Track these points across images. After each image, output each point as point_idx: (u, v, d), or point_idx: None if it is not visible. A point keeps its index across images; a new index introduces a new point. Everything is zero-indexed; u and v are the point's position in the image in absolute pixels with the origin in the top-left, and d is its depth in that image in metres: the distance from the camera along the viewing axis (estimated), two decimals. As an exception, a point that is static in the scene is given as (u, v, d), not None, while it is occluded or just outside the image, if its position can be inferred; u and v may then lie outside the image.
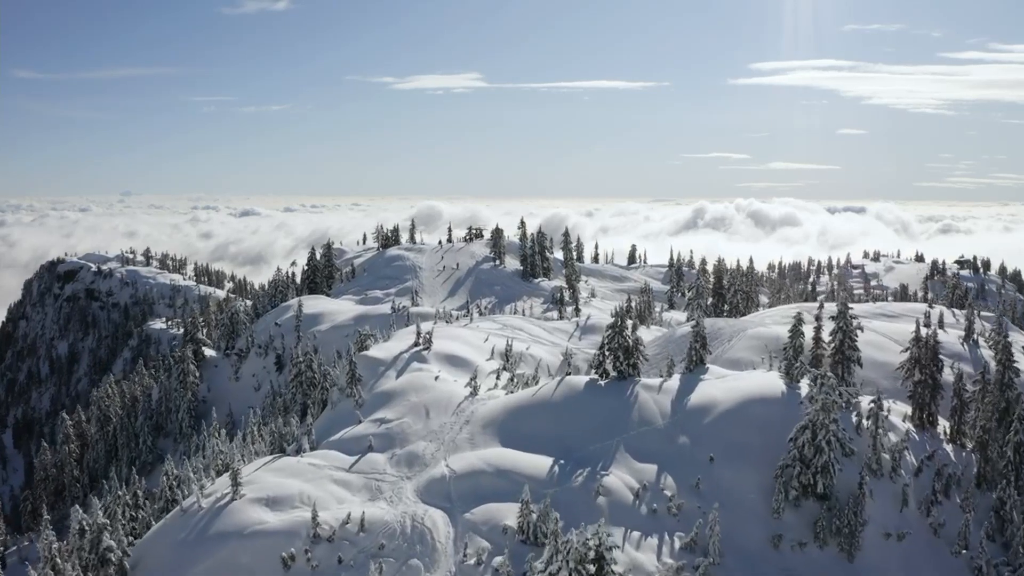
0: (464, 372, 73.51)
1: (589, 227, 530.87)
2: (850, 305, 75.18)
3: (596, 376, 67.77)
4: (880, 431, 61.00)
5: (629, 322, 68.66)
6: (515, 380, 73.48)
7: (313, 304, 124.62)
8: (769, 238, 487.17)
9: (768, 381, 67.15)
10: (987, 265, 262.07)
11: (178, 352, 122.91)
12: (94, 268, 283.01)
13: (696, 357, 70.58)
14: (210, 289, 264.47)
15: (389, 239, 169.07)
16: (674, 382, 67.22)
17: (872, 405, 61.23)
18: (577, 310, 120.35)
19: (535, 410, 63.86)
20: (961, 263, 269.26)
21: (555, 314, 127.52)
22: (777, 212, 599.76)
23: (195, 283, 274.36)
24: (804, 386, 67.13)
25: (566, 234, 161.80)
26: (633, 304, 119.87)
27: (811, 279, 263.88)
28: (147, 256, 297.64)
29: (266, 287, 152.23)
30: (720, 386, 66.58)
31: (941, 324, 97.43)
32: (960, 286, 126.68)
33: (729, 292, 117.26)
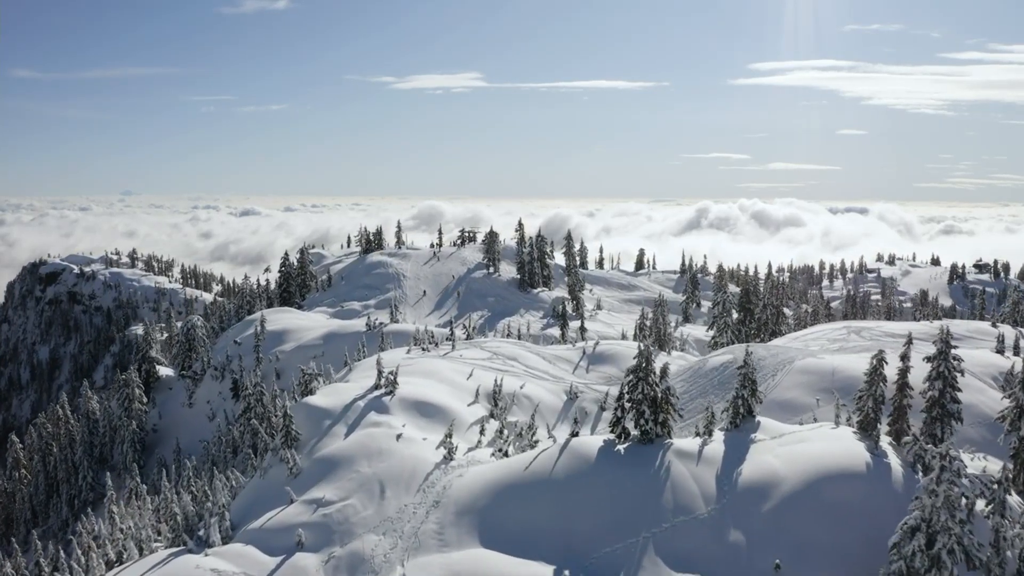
0: (437, 424, 54.54)
1: (591, 227, 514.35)
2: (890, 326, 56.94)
3: (613, 437, 49.03)
4: (1007, 522, 42.48)
5: (656, 362, 49.81)
6: (505, 433, 54.78)
7: (279, 319, 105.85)
8: (773, 239, 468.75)
9: (843, 445, 48.42)
10: (1006, 269, 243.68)
11: (123, 374, 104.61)
12: (76, 270, 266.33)
13: (744, 408, 51.84)
14: (197, 292, 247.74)
15: (372, 243, 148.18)
16: (717, 445, 48.40)
17: (995, 487, 42.74)
18: (583, 329, 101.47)
19: (529, 491, 44.96)
20: (979, 267, 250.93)
21: (556, 330, 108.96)
22: (781, 213, 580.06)
23: (181, 286, 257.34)
24: (889, 450, 48.86)
25: (568, 237, 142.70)
26: (647, 321, 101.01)
27: (823, 283, 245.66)
28: (132, 258, 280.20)
29: (232, 296, 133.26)
30: (780, 452, 47.83)
31: (1017, 350, 79.23)
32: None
33: (757, 307, 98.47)
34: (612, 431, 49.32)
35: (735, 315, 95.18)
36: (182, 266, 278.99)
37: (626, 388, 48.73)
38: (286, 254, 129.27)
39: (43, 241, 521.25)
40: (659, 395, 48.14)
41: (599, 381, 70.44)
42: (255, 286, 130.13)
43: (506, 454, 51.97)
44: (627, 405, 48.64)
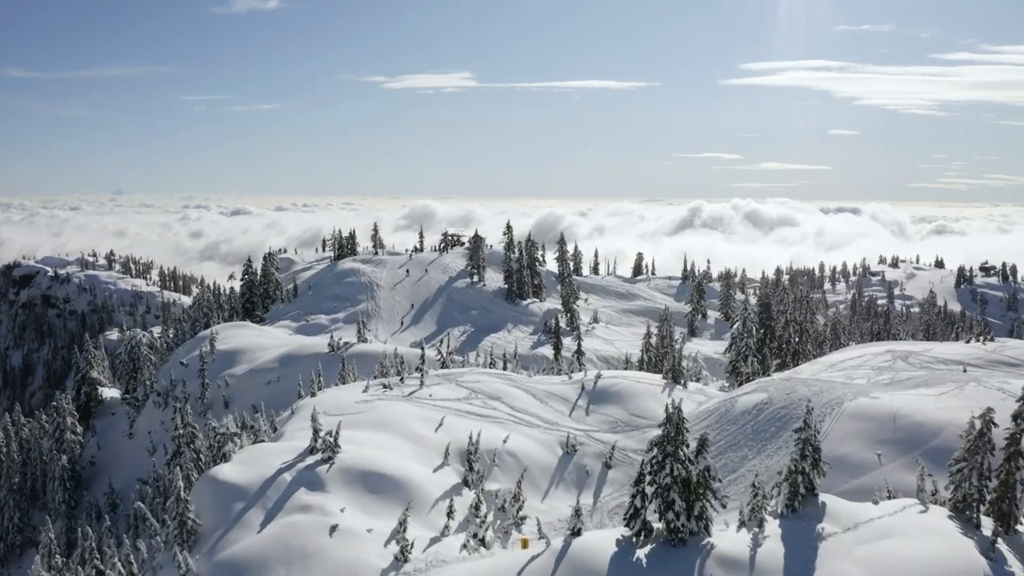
0: (391, 504, 39.68)
1: (584, 227, 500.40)
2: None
3: (630, 534, 34.47)
4: None
5: (672, 400, 35.01)
6: (482, 511, 40.07)
7: (233, 336, 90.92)
8: (767, 239, 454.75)
9: (948, 547, 34.09)
10: (1014, 271, 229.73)
11: (55, 400, 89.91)
12: (51, 273, 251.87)
13: (805, 484, 37.34)
14: (175, 295, 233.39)
15: (345, 247, 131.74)
16: (774, 545, 33.81)
17: None
18: (580, 353, 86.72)
19: (512, 625, 30.51)
20: (985, 269, 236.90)
21: (548, 349, 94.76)
22: (774, 212, 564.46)
23: (159, 289, 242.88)
24: (1004, 550, 34.62)
25: (561, 241, 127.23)
26: (652, 339, 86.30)
27: (825, 287, 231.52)
28: (109, 259, 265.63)
29: (190, 307, 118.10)
30: (862, 556, 33.34)
31: (1094, 378, 64.96)
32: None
33: (778, 323, 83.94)
34: (628, 524, 34.78)
35: (755, 333, 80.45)
36: (160, 268, 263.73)
37: (648, 467, 34.16)
38: (249, 260, 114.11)
39: (33, 240, 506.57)
40: (693, 476, 33.61)
41: (602, 427, 55.62)
42: (212, 296, 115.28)
43: (483, 542, 37.59)
44: (649, 491, 34.11)
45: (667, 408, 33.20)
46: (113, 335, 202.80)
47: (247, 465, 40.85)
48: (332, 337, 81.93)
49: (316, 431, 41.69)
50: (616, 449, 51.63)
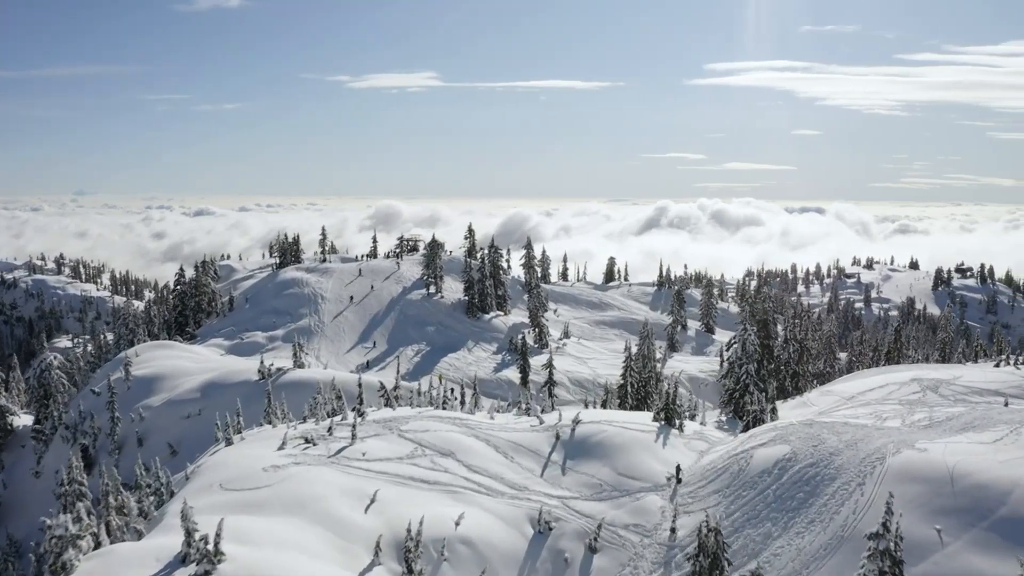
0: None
1: (550, 227, 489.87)
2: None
3: None
4: None
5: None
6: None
7: (155, 358, 77.89)
8: (733, 238, 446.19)
9: None
10: (991, 273, 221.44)
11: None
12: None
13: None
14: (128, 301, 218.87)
15: (288, 254, 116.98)
16: None
17: None
18: (551, 383, 73.99)
19: None
20: (962, 271, 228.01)
21: (514, 372, 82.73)
22: (740, 212, 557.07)
23: (110, 294, 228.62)
24: None
25: (528, 246, 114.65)
26: (632, 360, 74.26)
27: (799, 289, 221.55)
28: (59, 263, 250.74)
29: (114, 323, 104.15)
30: None
31: None
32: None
33: (777, 342, 72.14)
34: None
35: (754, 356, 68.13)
36: (112, 272, 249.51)
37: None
38: (181, 269, 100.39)
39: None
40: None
41: (584, 491, 43.01)
42: (145, 306, 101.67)
43: None
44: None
45: (700, 530, 21.00)
46: (63, 343, 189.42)
47: (91, 583, 28.17)
48: (263, 362, 69.14)
49: (189, 532, 29.00)
50: (603, 526, 39.32)
